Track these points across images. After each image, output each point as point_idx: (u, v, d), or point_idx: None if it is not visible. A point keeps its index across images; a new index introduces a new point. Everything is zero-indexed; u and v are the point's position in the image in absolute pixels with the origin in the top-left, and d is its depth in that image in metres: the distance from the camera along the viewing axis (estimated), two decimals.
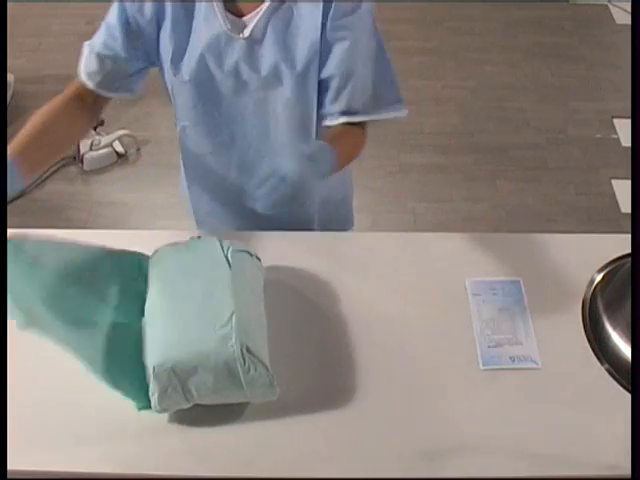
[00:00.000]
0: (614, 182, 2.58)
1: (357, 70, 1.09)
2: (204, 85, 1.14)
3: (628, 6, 3.30)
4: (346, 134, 1.14)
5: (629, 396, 1.05)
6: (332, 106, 1.13)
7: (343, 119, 1.13)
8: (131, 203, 2.52)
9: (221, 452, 0.99)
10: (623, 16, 3.37)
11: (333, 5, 1.03)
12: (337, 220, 1.46)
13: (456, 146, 2.74)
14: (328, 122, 1.15)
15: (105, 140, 2.61)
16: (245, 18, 1.06)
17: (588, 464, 0.99)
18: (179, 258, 1.11)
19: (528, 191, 2.56)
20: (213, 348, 0.96)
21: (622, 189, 2.54)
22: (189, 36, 1.09)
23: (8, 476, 0.90)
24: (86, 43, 1.14)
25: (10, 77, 2.88)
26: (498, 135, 2.79)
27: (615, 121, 2.83)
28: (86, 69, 1.14)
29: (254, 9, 1.05)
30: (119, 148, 2.66)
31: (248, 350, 0.96)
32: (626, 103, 2.76)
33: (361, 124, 1.16)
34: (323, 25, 1.04)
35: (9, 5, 2.68)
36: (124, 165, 2.68)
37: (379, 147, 2.62)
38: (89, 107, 1.17)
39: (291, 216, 1.29)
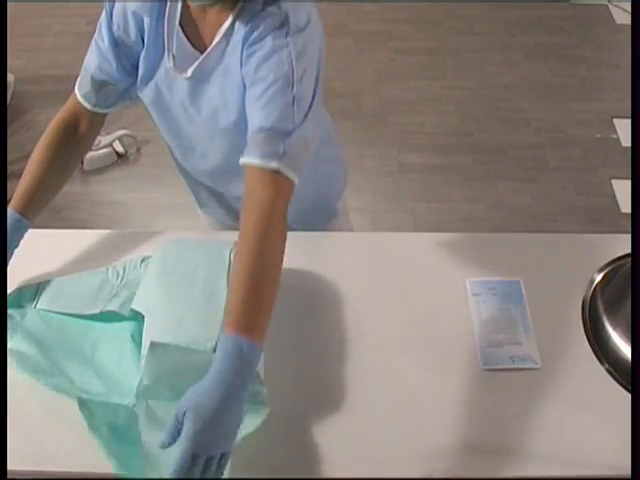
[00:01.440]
0: (614, 182, 2.58)
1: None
2: (161, 111, 1.15)
3: (628, 6, 3.30)
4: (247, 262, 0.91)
5: (629, 396, 1.05)
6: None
7: (246, 158, 0.97)
8: (131, 203, 2.52)
9: None
10: (623, 16, 3.37)
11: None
12: (315, 214, 1.43)
13: (456, 146, 2.74)
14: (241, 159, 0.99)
15: (105, 140, 2.60)
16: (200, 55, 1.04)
17: (588, 464, 0.99)
18: (182, 256, 1.12)
19: (528, 191, 2.56)
20: (205, 355, 0.94)
21: (622, 189, 2.55)
22: (159, 63, 1.09)
23: (8, 476, 0.90)
24: (84, 65, 1.15)
25: (10, 77, 2.88)
26: (498, 135, 2.79)
27: (615, 121, 2.83)
28: (81, 91, 1.16)
29: (209, 43, 1.02)
30: (119, 148, 2.66)
31: None
32: (626, 103, 2.76)
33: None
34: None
35: (9, 5, 2.68)
36: (124, 165, 2.68)
37: (379, 147, 2.62)
38: (87, 127, 1.18)
39: None
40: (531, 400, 1.06)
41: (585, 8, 3.44)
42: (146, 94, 1.13)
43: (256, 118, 0.97)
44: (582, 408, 1.05)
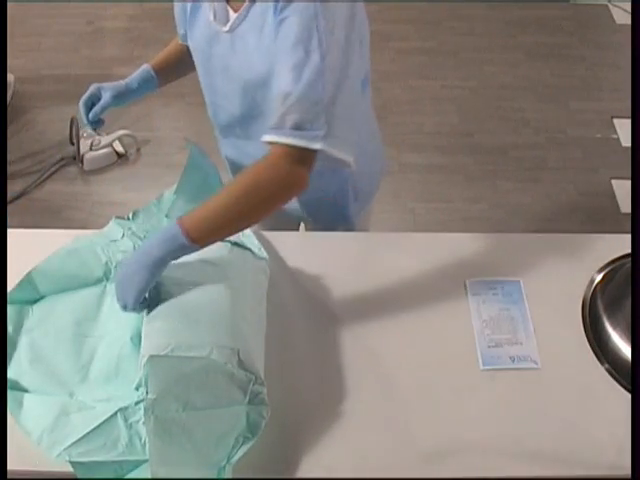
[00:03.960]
0: (614, 182, 2.58)
1: (276, 77, 1.00)
2: (202, 62, 1.19)
3: (628, 6, 3.30)
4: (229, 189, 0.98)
5: (629, 396, 1.05)
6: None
7: (267, 137, 0.99)
8: (131, 203, 2.51)
9: None
10: (623, 16, 3.37)
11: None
12: (327, 217, 1.42)
13: (456, 146, 2.74)
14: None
15: (105, 140, 2.60)
16: (236, 13, 1.07)
17: (588, 464, 0.99)
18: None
19: (528, 191, 2.56)
20: (204, 361, 0.94)
21: (622, 189, 2.54)
22: (202, 14, 1.13)
23: (8, 476, 0.90)
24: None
25: (10, 77, 2.88)
26: (498, 135, 2.79)
27: (615, 121, 2.83)
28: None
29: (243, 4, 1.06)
30: (119, 148, 2.66)
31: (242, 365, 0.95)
32: (626, 103, 2.76)
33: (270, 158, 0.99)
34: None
35: (9, 5, 2.68)
36: (124, 165, 2.68)
37: None
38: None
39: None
40: (531, 400, 1.06)
41: (585, 8, 3.44)
42: (192, 44, 1.18)
43: (283, 82, 0.97)
44: (582, 408, 1.05)
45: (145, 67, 1.29)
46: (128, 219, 1.28)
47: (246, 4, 1.05)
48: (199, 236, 0.96)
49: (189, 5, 1.15)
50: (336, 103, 0.99)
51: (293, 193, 1.01)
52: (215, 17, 1.10)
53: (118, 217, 1.27)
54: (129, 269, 0.98)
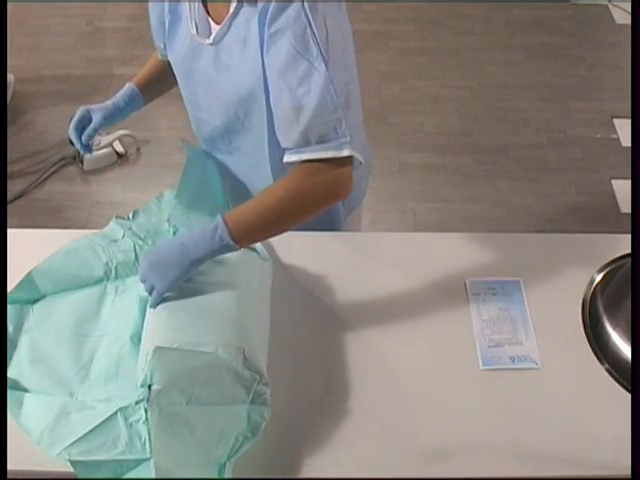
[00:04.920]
0: (614, 182, 2.58)
1: (277, 99, 0.99)
2: (184, 76, 1.17)
3: (628, 6, 3.30)
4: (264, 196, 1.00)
5: (629, 396, 1.05)
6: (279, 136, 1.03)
7: (286, 157, 1.00)
8: (131, 203, 2.52)
9: None
10: (623, 16, 3.37)
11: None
12: (314, 224, 1.41)
13: (456, 146, 2.74)
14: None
15: (105, 140, 2.60)
16: (219, 25, 1.04)
17: (588, 464, 0.99)
18: None
19: (528, 191, 2.56)
20: (211, 357, 0.94)
21: (622, 189, 2.54)
22: (183, 28, 1.10)
23: (8, 476, 0.90)
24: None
25: (10, 77, 2.88)
26: (498, 135, 2.79)
27: (615, 121, 2.83)
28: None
29: (226, 16, 1.03)
30: (119, 148, 2.66)
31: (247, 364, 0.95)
32: (626, 103, 2.76)
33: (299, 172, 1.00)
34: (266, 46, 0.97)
35: (9, 5, 2.68)
36: (124, 165, 2.68)
37: (379, 147, 2.62)
38: None
39: None
40: (531, 400, 1.06)
41: (585, 8, 3.44)
42: (172, 58, 1.16)
43: (290, 98, 0.95)
44: (582, 408, 1.05)
45: (129, 85, 1.27)
46: (128, 219, 1.28)
47: (229, 15, 1.01)
48: (241, 237, 0.98)
49: (167, 19, 1.11)
50: (350, 106, 0.99)
51: (338, 198, 1.02)
52: (197, 30, 1.07)
53: (118, 217, 1.27)
54: (166, 260, 0.99)
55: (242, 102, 1.09)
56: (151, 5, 1.16)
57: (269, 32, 0.95)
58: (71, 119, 1.24)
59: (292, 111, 0.96)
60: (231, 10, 1.01)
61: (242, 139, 1.18)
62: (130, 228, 1.25)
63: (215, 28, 1.05)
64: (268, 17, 0.95)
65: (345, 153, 0.97)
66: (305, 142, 0.97)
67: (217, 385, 0.94)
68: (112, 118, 1.26)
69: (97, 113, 1.24)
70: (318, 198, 1.00)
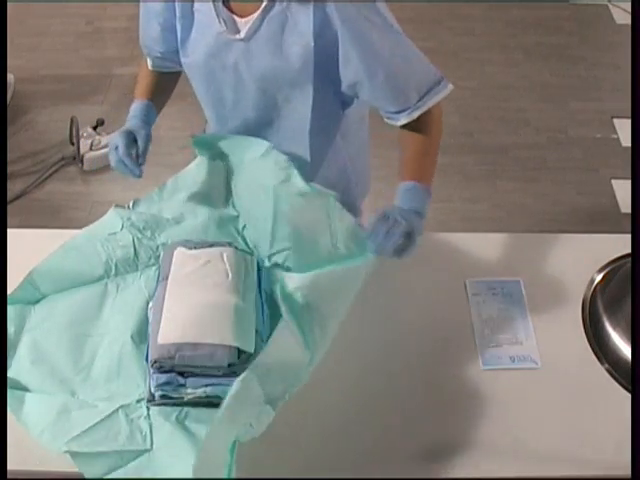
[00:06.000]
0: (614, 182, 2.58)
1: (385, 68, 1.09)
2: (206, 76, 1.18)
3: (628, 6, 3.30)
4: (410, 150, 1.21)
5: (629, 396, 1.05)
6: (383, 107, 1.16)
7: (404, 119, 1.15)
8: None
9: None
10: (623, 16, 3.36)
11: (333, 8, 1.02)
12: None
13: (456, 146, 2.74)
14: (393, 122, 1.18)
15: (105, 140, 2.60)
16: (245, 19, 1.07)
17: (588, 464, 0.99)
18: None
19: (528, 191, 2.56)
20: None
21: (622, 189, 2.54)
22: (207, 28, 1.11)
23: (8, 476, 0.90)
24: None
25: (10, 77, 2.88)
26: (498, 135, 2.78)
27: (615, 121, 2.83)
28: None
29: (254, 10, 1.06)
30: None
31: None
32: (626, 103, 2.74)
33: (426, 117, 1.18)
34: (320, 30, 1.04)
35: (9, 5, 2.68)
36: None
37: (379, 147, 2.62)
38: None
39: None
40: (531, 400, 1.06)
41: (585, 8, 3.44)
42: (190, 61, 1.16)
43: (384, 66, 1.08)
44: (582, 408, 1.05)
45: (144, 102, 1.27)
46: (128, 208, 1.27)
47: (262, 8, 1.04)
48: (430, 181, 1.17)
49: (180, 24, 1.12)
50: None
51: None
52: (227, 27, 1.08)
53: (118, 206, 1.26)
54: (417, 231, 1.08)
55: (281, 91, 1.13)
56: (150, 16, 1.16)
57: (341, 17, 1.02)
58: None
59: (400, 76, 1.10)
60: (264, 4, 1.04)
61: (273, 131, 1.21)
62: (129, 218, 1.24)
63: (241, 23, 1.07)
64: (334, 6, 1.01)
65: (451, 86, 1.16)
66: (420, 96, 1.13)
67: None
68: (149, 135, 1.27)
69: (140, 133, 1.24)
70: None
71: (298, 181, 1.15)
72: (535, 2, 3.42)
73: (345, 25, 1.03)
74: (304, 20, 1.03)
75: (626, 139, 2.75)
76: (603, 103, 2.91)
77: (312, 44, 1.05)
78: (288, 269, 1.17)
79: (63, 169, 2.63)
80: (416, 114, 1.15)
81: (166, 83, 1.29)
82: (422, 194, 1.14)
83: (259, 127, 1.22)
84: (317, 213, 1.14)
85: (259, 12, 1.05)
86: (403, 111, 1.14)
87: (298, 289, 1.05)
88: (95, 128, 2.65)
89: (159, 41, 1.19)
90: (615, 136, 2.77)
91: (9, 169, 2.52)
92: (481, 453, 1.00)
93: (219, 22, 1.08)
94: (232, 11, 1.08)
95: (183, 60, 1.18)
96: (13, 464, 0.95)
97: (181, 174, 1.32)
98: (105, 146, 2.61)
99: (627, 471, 0.89)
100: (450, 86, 1.16)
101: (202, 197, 1.28)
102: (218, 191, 1.30)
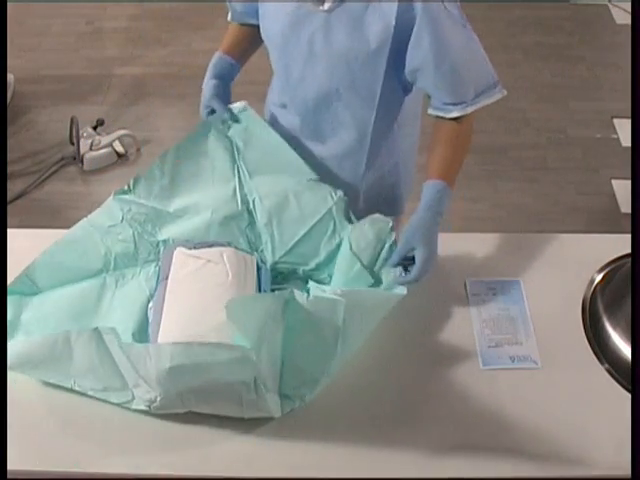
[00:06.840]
0: (614, 182, 2.58)
1: (452, 58, 1.11)
2: (282, 48, 1.18)
3: (628, 6, 3.30)
4: (449, 146, 1.22)
5: (629, 396, 1.05)
6: (440, 97, 1.17)
7: (456, 112, 1.17)
8: None
9: (221, 452, 1.00)
10: (623, 16, 3.36)
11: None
12: (384, 203, 1.41)
13: None
14: (443, 114, 1.19)
15: (105, 140, 2.60)
16: None
17: (588, 464, 0.99)
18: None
19: (528, 191, 2.56)
20: (225, 369, 0.94)
21: (622, 189, 2.54)
22: None
23: (8, 476, 0.91)
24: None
25: (10, 77, 2.88)
26: (498, 135, 2.78)
27: (615, 121, 2.83)
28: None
29: None
30: (119, 148, 2.66)
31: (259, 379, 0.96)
32: (626, 103, 2.74)
33: (465, 118, 1.20)
34: (402, 12, 1.06)
35: (9, 5, 2.68)
36: (124, 165, 2.67)
37: None
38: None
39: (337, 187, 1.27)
40: (531, 400, 1.06)
41: (585, 8, 3.44)
42: (268, 27, 1.18)
43: (450, 57, 1.11)
44: (582, 408, 1.05)
45: (216, 56, 1.28)
46: (128, 189, 1.25)
47: None
48: (453, 181, 1.17)
49: None
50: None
51: None
52: None
53: (117, 192, 1.24)
54: (434, 237, 1.15)
55: (352, 70, 1.14)
56: None
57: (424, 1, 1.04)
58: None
59: (464, 69, 1.13)
60: None
61: (333, 112, 1.22)
62: (130, 210, 1.23)
63: None
64: None
65: (505, 91, 1.21)
66: (476, 93, 1.16)
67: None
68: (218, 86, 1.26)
69: (225, 77, 1.26)
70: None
71: None
72: (535, 2, 3.42)
73: (426, 10, 1.05)
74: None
75: (626, 139, 2.75)
76: (603, 103, 2.91)
77: (393, 23, 1.06)
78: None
79: (63, 169, 2.63)
80: (469, 110, 1.18)
81: (246, 37, 1.29)
82: (449, 196, 1.17)
83: (319, 108, 1.22)
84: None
85: None
86: (458, 104, 1.16)
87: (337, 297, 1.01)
88: (95, 128, 2.65)
89: None
90: (615, 136, 2.77)
91: (9, 169, 2.52)
92: (481, 453, 1.00)
93: None
94: None
95: (261, 24, 1.19)
96: (13, 464, 0.95)
97: (182, 142, 1.29)
98: (105, 146, 2.61)
99: (627, 471, 0.89)
100: (504, 92, 1.20)
101: (206, 176, 1.26)
102: (223, 161, 1.26)
